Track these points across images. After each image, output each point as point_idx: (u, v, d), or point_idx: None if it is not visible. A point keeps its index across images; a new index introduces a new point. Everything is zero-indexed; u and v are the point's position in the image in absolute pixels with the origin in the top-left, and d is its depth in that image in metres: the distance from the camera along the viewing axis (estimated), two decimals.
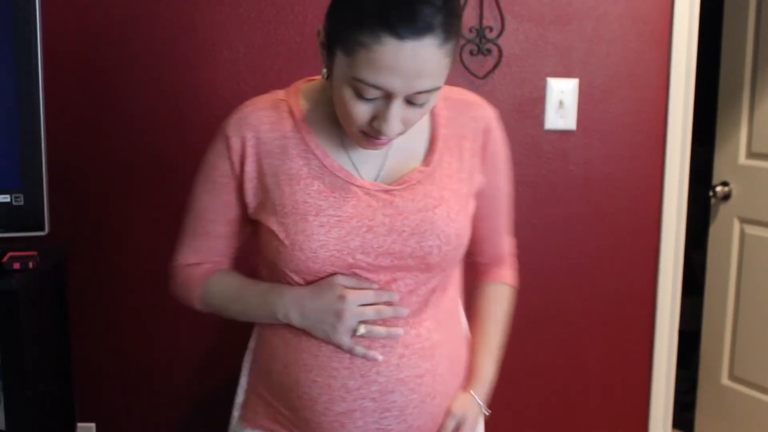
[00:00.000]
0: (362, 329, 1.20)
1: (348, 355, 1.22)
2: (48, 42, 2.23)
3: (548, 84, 2.42)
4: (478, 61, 2.39)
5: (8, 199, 2.10)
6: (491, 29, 2.38)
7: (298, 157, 1.24)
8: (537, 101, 2.43)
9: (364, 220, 1.20)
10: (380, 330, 1.21)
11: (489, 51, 2.39)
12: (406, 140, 1.24)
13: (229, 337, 2.47)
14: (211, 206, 1.37)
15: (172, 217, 2.45)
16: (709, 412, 3.18)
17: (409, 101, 1.10)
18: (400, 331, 1.21)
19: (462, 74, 2.39)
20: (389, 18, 1.01)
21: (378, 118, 1.11)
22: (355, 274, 1.21)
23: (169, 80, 2.37)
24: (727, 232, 3.05)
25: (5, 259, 2.06)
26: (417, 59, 1.04)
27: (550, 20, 2.40)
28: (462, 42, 2.37)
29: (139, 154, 2.40)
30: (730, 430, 3.10)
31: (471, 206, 1.31)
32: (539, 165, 2.46)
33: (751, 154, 2.96)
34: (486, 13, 2.38)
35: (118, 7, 2.33)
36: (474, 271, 1.49)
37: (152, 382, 2.50)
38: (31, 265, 2.05)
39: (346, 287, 1.20)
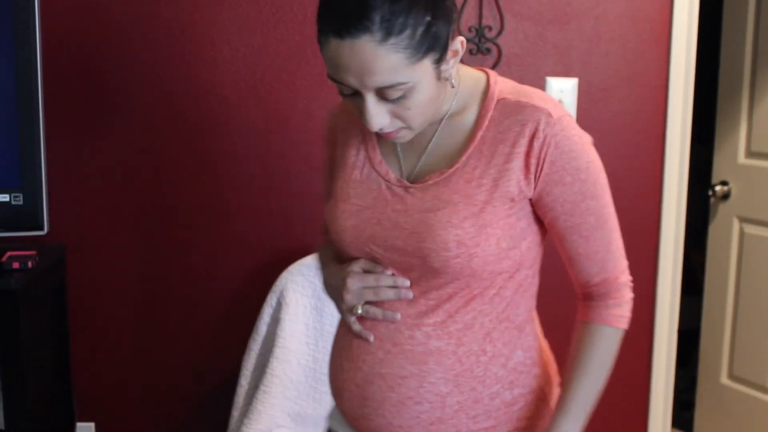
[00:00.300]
0: (360, 309, 1.26)
1: (351, 336, 1.29)
2: (47, 42, 2.23)
3: (548, 83, 2.42)
4: (477, 60, 2.39)
5: (7, 199, 2.10)
6: (490, 28, 2.38)
7: (354, 146, 1.31)
8: None
9: (376, 213, 1.24)
10: (376, 311, 1.25)
11: (488, 50, 2.39)
12: (446, 139, 1.25)
13: (228, 338, 2.47)
14: (325, 187, 1.44)
15: (171, 216, 2.46)
16: (708, 411, 3.18)
17: (383, 97, 1.13)
18: (397, 315, 1.24)
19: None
20: (330, 18, 1.09)
21: (362, 114, 1.16)
22: (377, 262, 1.26)
23: (168, 79, 2.37)
24: (727, 231, 3.05)
25: (4, 258, 2.06)
26: (358, 56, 1.08)
27: (550, 19, 2.40)
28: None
29: (138, 154, 2.40)
30: (729, 428, 3.10)
31: (494, 215, 1.20)
32: None
33: (751, 154, 2.96)
34: (485, 12, 2.38)
35: (117, 7, 2.33)
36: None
37: (151, 382, 2.50)
38: (30, 264, 2.05)
39: (359, 270, 1.26)
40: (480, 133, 1.21)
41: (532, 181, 1.20)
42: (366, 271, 1.26)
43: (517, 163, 1.19)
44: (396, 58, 1.09)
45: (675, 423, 3.09)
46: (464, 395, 1.24)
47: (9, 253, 2.09)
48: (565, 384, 1.30)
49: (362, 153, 1.30)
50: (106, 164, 2.40)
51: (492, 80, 1.26)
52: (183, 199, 2.43)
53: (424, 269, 1.22)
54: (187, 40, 2.35)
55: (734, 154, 3.01)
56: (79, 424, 2.48)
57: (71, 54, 2.34)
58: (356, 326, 1.27)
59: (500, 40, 2.39)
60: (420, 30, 1.09)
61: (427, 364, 1.23)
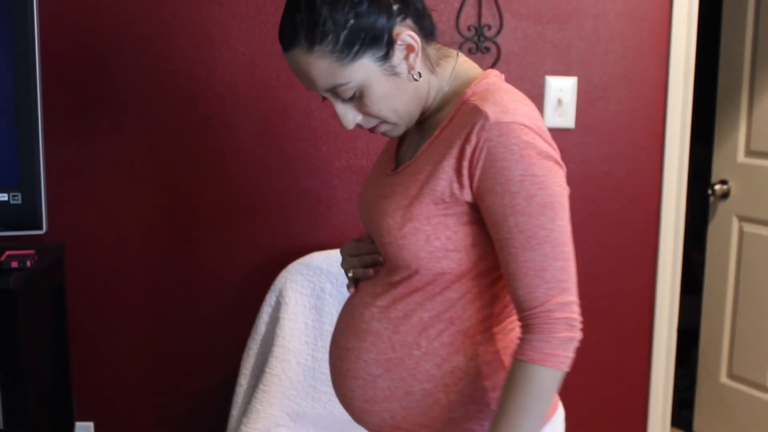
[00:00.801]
0: (350, 272, 1.37)
1: (345, 303, 1.41)
2: (45, 41, 2.23)
3: (547, 82, 2.42)
4: (476, 59, 2.39)
5: (6, 198, 2.10)
6: (490, 27, 2.38)
7: (390, 142, 1.44)
8: (535, 99, 2.43)
9: (370, 197, 1.35)
10: (358, 271, 1.36)
11: (488, 49, 2.39)
12: (423, 134, 1.31)
13: (227, 337, 2.47)
14: None
15: (170, 215, 2.46)
16: (707, 410, 3.18)
17: (341, 98, 1.23)
18: (369, 272, 1.33)
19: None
20: (279, 34, 1.23)
21: None
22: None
23: (167, 79, 2.36)
24: (726, 230, 3.05)
25: (3, 257, 2.06)
26: (298, 66, 1.21)
27: (549, 18, 2.40)
28: (460, 41, 2.37)
29: (137, 153, 2.40)
30: (728, 428, 3.10)
31: (421, 211, 1.20)
32: None
33: (750, 153, 2.96)
34: (484, 11, 2.37)
35: (116, 6, 2.33)
36: None
37: (150, 381, 2.50)
38: (28, 263, 2.05)
39: (353, 242, 1.39)
40: (438, 132, 1.24)
41: (467, 185, 1.17)
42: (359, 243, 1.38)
43: (450, 163, 1.18)
44: (325, 63, 1.17)
45: (674, 422, 3.10)
46: (394, 382, 1.26)
47: (7, 253, 2.09)
48: (493, 423, 1.20)
49: (390, 146, 1.43)
50: (105, 163, 2.40)
51: (477, 80, 1.25)
52: (182, 198, 2.43)
53: (383, 251, 1.29)
54: (186, 40, 2.34)
55: (734, 153, 3.01)
56: (78, 424, 2.48)
57: (70, 53, 2.34)
58: (348, 284, 1.39)
59: (499, 39, 2.39)
60: (343, 34, 1.15)
61: (365, 342, 1.29)
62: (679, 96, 2.46)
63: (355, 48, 1.17)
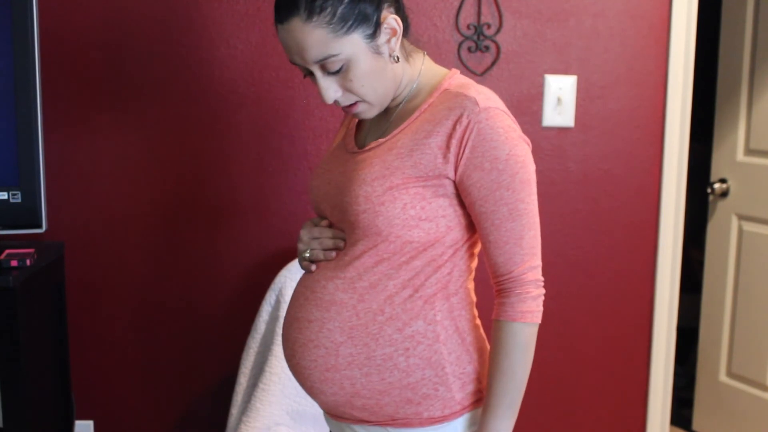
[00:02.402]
0: (307, 253, 1.41)
1: (300, 281, 1.45)
2: (45, 39, 2.22)
3: (546, 81, 2.42)
4: (476, 57, 2.39)
5: (6, 197, 2.10)
6: (489, 26, 2.38)
7: (344, 127, 1.53)
8: (535, 98, 2.43)
9: (331, 174, 1.42)
10: (319, 253, 1.40)
11: (487, 48, 2.39)
12: (396, 120, 1.40)
13: (227, 336, 2.47)
14: None
15: (169, 213, 2.46)
16: (707, 409, 3.18)
17: (327, 71, 1.31)
18: (331, 254, 1.38)
19: (460, 71, 2.38)
20: (275, 9, 1.32)
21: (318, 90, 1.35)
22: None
23: (165, 77, 2.36)
24: (725, 229, 3.06)
25: (2, 256, 2.06)
26: (293, 36, 1.29)
27: (548, 17, 2.40)
28: (460, 39, 2.37)
29: (136, 151, 2.40)
30: (727, 426, 3.10)
31: (402, 181, 1.30)
32: (537, 162, 2.43)
33: (749, 151, 2.96)
34: (484, 10, 2.37)
35: (115, 4, 2.33)
36: None
37: (150, 380, 2.50)
38: (28, 262, 2.05)
39: (310, 224, 1.45)
40: (416, 114, 1.36)
41: (452, 162, 1.30)
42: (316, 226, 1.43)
43: (436, 140, 1.30)
44: (321, 33, 1.27)
45: (674, 420, 3.10)
46: (357, 348, 1.34)
47: (7, 251, 2.09)
48: (487, 384, 1.35)
49: (345, 131, 1.51)
50: (105, 162, 2.40)
51: (448, 76, 1.40)
52: (181, 196, 2.43)
53: (346, 224, 1.36)
54: (185, 38, 2.34)
55: (733, 152, 3.01)
56: (78, 422, 2.48)
57: (69, 51, 2.34)
58: (304, 263, 1.43)
59: (499, 38, 2.39)
60: (340, 8, 1.27)
61: (329, 312, 1.35)
62: (678, 94, 2.46)
63: (350, 23, 1.28)
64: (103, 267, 2.44)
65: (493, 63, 2.39)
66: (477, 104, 1.29)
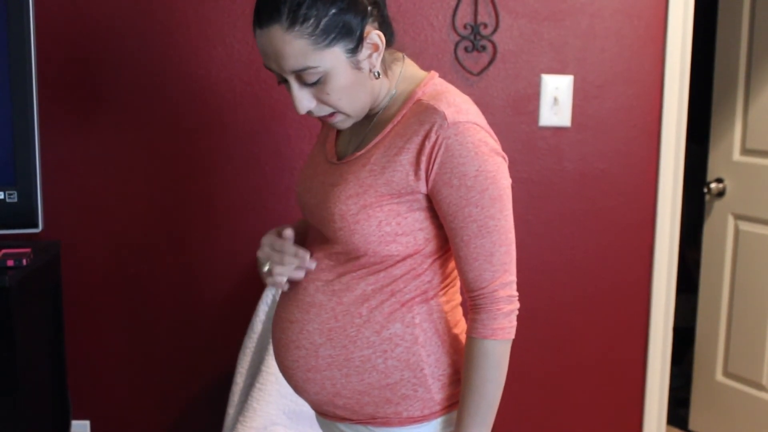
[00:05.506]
0: (266, 267, 1.40)
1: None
2: (41, 39, 2.22)
3: (543, 80, 2.42)
4: (472, 57, 2.39)
5: (2, 196, 2.09)
6: (486, 26, 2.38)
7: (325, 136, 1.50)
8: (531, 98, 2.43)
9: (312, 182, 1.43)
10: (291, 273, 1.38)
11: (483, 47, 2.39)
12: (372, 130, 1.39)
13: (224, 335, 2.47)
14: None
15: (166, 213, 2.46)
16: (703, 409, 3.19)
17: (303, 82, 1.30)
18: (300, 274, 1.38)
19: (457, 71, 2.39)
20: (254, 13, 1.29)
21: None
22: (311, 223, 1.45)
23: (162, 77, 2.36)
24: (722, 228, 3.06)
25: None
26: (272, 43, 1.26)
27: (545, 17, 2.40)
28: (456, 39, 2.37)
29: (133, 151, 2.40)
30: (724, 426, 3.10)
31: (375, 199, 1.30)
32: (533, 162, 2.46)
33: (746, 151, 2.96)
34: (480, 9, 2.37)
35: (111, 4, 2.32)
36: None
37: (147, 380, 2.50)
38: (24, 262, 2.05)
39: (274, 232, 1.43)
40: (389, 127, 1.33)
41: (423, 178, 1.29)
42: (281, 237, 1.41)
43: (407, 157, 1.29)
44: (302, 44, 1.25)
45: (670, 420, 3.10)
46: (336, 350, 1.35)
47: (3, 251, 2.08)
48: (459, 399, 1.36)
49: (325, 139, 1.49)
50: (101, 161, 2.39)
51: (423, 82, 1.36)
52: (178, 196, 2.43)
53: (326, 233, 1.36)
54: (181, 38, 2.34)
55: (729, 152, 3.02)
56: (74, 422, 2.48)
57: (65, 51, 2.34)
58: (267, 280, 1.40)
59: (495, 38, 2.39)
60: (324, 20, 1.24)
61: (309, 314, 1.37)
62: (674, 94, 2.46)
63: (332, 35, 1.26)
64: (99, 267, 2.44)
65: (490, 63, 2.39)
66: (446, 119, 1.26)
